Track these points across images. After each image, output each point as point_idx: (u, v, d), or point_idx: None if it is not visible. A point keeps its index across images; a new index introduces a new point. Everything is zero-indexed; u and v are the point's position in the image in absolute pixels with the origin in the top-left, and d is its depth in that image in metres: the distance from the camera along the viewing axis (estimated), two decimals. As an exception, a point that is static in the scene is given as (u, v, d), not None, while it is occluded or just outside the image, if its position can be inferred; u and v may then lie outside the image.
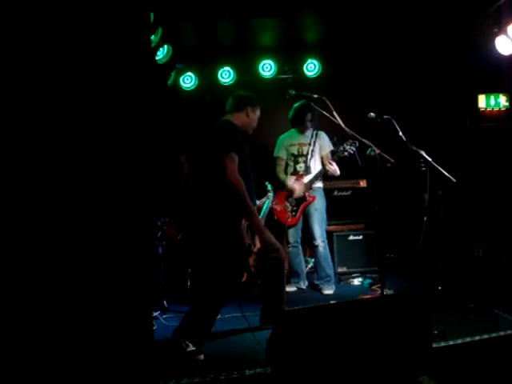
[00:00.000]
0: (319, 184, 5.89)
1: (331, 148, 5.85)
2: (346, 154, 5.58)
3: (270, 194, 5.50)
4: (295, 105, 5.84)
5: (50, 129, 2.74)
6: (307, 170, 5.80)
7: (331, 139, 5.90)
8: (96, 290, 2.80)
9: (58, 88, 2.77)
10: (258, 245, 4.13)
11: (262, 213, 5.16)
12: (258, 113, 4.44)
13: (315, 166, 5.82)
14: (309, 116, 5.77)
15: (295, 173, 5.86)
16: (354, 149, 5.51)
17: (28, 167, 2.70)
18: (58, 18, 2.76)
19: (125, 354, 2.85)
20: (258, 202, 5.23)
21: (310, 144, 5.83)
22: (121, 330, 2.85)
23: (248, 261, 4.05)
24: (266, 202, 5.33)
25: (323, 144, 5.88)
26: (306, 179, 5.78)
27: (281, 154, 5.97)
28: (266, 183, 5.44)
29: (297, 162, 5.87)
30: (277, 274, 4.39)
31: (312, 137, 5.84)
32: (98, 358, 2.77)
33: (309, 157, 5.81)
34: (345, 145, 5.58)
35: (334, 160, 5.68)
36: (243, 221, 4.01)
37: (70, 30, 2.78)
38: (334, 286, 5.82)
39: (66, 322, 2.72)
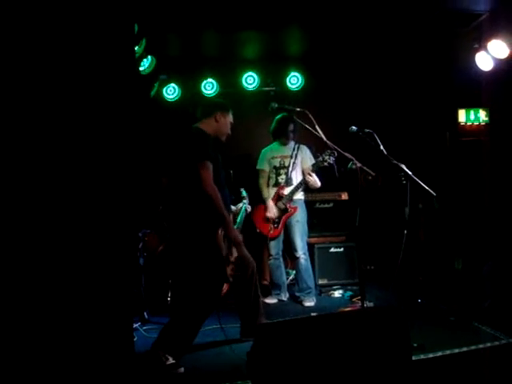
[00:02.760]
0: (300, 196, 5.91)
1: (312, 161, 5.85)
2: (325, 164, 5.58)
3: (245, 201, 5.51)
4: (277, 116, 5.87)
5: (28, 140, 2.72)
6: (288, 182, 5.83)
7: (311, 151, 5.93)
8: (76, 301, 2.78)
9: (38, 99, 2.76)
10: (234, 254, 4.11)
11: (238, 219, 5.16)
12: (229, 118, 4.36)
13: (296, 178, 5.85)
14: (291, 127, 5.80)
15: (277, 184, 5.88)
16: (333, 158, 5.53)
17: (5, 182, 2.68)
18: (41, 29, 2.75)
19: (105, 366, 2.82)
20: (233, 208, 5.25)
21: (291, 156, 5.85)
22: (101, 342, 2.83)
23: (226, 270, 4.04)
24: (242, 209, 5.33)
25: (305, 157, 5.91)
26: (287, 191, 5.80)
27: (263, 166, 5.99)
28: (241, 189, 5.43)
29: (278, 174, 5.90)
30: (250, 287, 4.38)
31: (294, 150, 5.87)
32: (77, 370, 2.74)
33: (290, 169, 5.83)
34: (324, 155, 5.58)
35: (313, 171, 5.71)
36: (220, 230, 3.99)
37: (51, 40, 2.77)
38: (314, 298, 5.83)
39: (45, 334, 2.69)
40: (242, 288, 4.38)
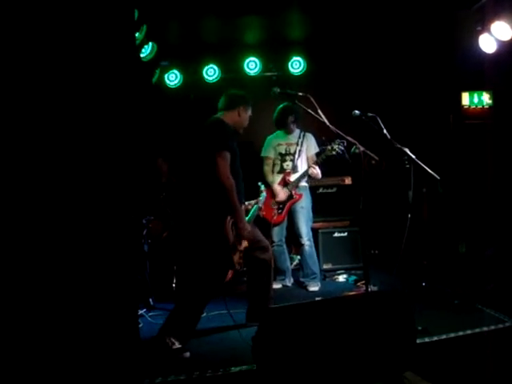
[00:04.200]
0: (305, 183, 5.92)
1: (317, 150, 5.91)
2: (333, 153, 5.61)
3: (263, 195, 5.44)
4: (278, 107, 5.88)
5: (26, 127, 2.71)
6: (294, 169, 5.84)
7: (320, 138, 5.91)
8: (81, 288, 2.79)
9: (36, 85, 2.75)
10: (244, 243, 4.13)
11: (249, 215, 5.14)
12: (249, 112, 4.47)
13: (302, 165, 5.87)
14: (291, 118, 5.82)
15: (282, 171, 5.89)
16: (343, 148, 5.53)
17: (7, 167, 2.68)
18: (39, 14, 2.74)
19: (111, 352, 2.84)
20: (246, 203, 5.25)
21: (297, 144, 5.86)
22: (106, 328, 2.84)
23: (232, 258, 4.07)
24: (254, 207, 5.29)
25: (310, 145, 5.93)
26: (293, 178, 5.80)
27: (269, 153, 5.99)
28: (260, 184, 5.39)
29: (284, 161, 5.90)
30: (264, 273, 4.43)
31: (299, 137, 5.88)
32: (83, 356, 2.76)
33: (296, 156, 5.84)
34: (333, 144, 5.60)
35: (322, 159, 5.73)
36: (228, 218, 4.02)
37: (51, 26, 2.76)
38: (319, 283, 5.85)
39: (49, 320, 2.71)
40: (257, 272, 4.43)
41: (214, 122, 4.27)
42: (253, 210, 5.09)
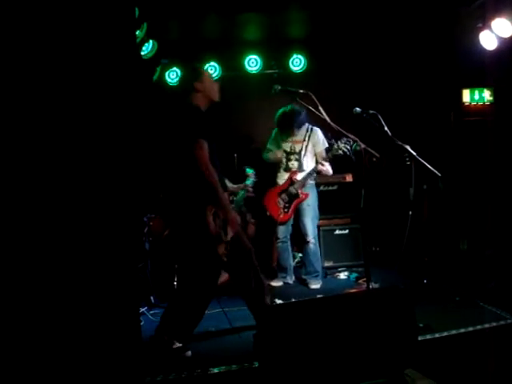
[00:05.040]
0: (311, 180, 5.88)
1: (325, 145, 5.82)
2: (340, 152, 5.52)
3: (251, 179, 5.19)
4: (279, 111, 5.83)
5: (29, 126, 2.71)
6: (300, 168, 5.80)
7: (326, 136, 5.87)
8: (82, 286, 2.79)
9: (37, 83, 2.74)
10: (230, 233, 3.90)
11: (236, 198, 4.98)
12: (207, 77, 4.10)
13: (308, 164, 5.82)
14: (295, 124, 5.76)
15: (287, 169, 5.85)
16: (349, 147, 5.48)
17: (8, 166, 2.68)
18: (40, 13, 2.74)
19: (112, 350, 2.84)
20: (234, 186, 5.17)
21: (304, 140, 5.83)
22: (108, 326, 2.84)
23: (218, 249, 3.85)
24: (241, 193, 5.10)
25: (317, 142, 5.85)
26: (299, 176, 5.77)
27: (271, 145, 6.00)
28: (245, 167, 5.13)
29: (289, 160, 5.86)
30: (250, 275, 4.11)
31: (307, 131, 5.85)
32: (84, 354, 2.76)
33: (302, 154, 5.80)
34: (339, 143, 5.52)
35: (328, 158, 5.69)
36: (209, 209, 3.80)
37: (52, 24, 2.75)
38: (321, 281, 5.84)
39: (51, 319, 2.71)
40: (242, 277, 4.12)
41: (184, 111, 3.99)
42: (240, 195, 5.00)
